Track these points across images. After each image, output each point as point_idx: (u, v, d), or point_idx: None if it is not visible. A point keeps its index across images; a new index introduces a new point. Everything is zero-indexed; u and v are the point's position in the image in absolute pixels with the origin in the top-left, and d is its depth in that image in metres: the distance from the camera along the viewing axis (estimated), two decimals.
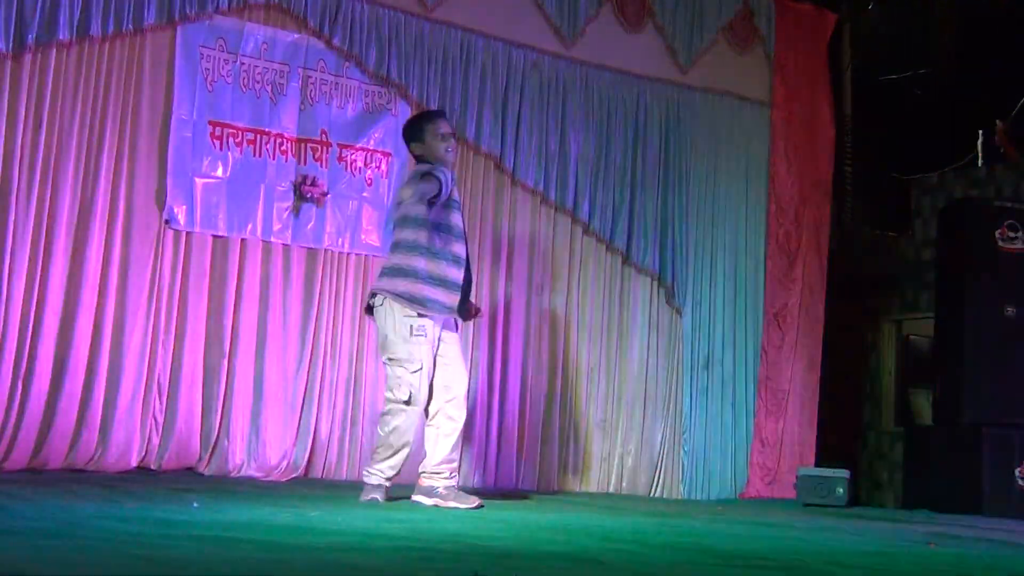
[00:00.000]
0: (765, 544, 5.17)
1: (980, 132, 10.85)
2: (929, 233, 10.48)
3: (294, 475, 7.57)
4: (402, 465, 6.05)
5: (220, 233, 7.51)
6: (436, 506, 5.90)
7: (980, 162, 10.86)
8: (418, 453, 6.23)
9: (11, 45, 6.78)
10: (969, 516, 8.20)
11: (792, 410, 9.83)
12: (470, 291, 6.42)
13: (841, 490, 8.88)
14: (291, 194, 7.76)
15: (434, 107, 8.02)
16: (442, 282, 6.06)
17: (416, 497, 6.02)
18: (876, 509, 9.61)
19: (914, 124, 10.69)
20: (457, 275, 6.15)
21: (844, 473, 8.99)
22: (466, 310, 6.35)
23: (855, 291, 10.81)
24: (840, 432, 10.52)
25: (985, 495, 8.71)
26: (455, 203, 6.19)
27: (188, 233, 7.41)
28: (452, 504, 5.90)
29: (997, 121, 10.59)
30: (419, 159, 6.28)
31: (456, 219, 6.18)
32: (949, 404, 9.19)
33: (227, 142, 7.58)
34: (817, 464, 9.63)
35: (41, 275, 6.86)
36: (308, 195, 7.79)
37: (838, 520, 7.33)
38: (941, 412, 9.35)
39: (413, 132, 6.33)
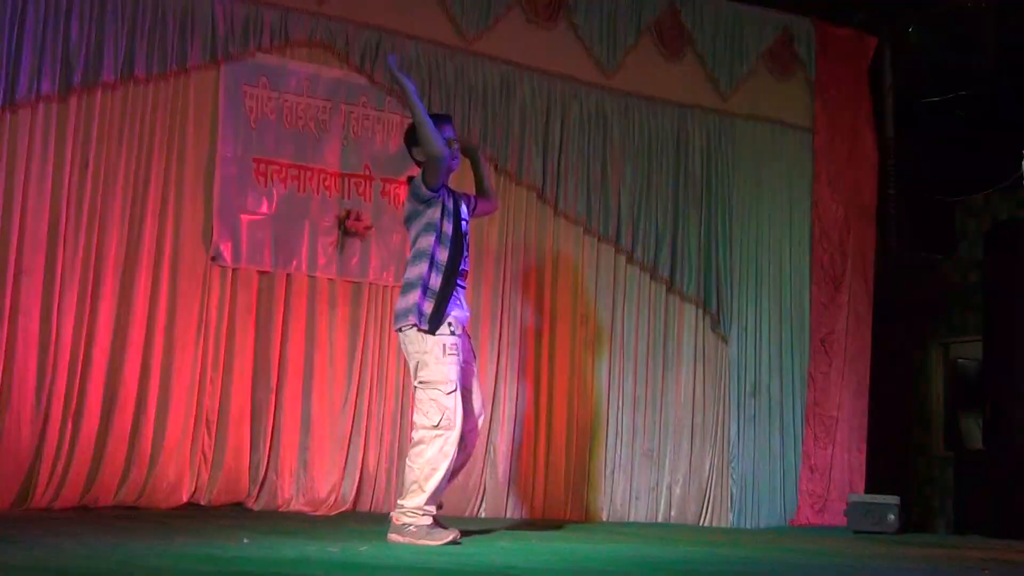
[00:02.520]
0: (816, 573, 5.13)
1: None
2: (975, 255, 10.40)
3: (343, 509, 7.59)
4: (441, 494, 5.69)
5: (266, 269, 7.57)
6: (410, 544, 5.44)
7: None
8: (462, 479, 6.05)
9: (57, 87, 6.89)
10: (1022, 541, 8.11)
11: (841, 436, 9.74)
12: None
13: (892, 516, 8.80)
14: (335, 229, 7.81)
15: (477, 141, 8.04)
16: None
17: (391, 536, 5.56)
18: (928, 535, 9.51)
19: (957, 146, 10.60)
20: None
21: (894, 499, 8.90)
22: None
23: (901, 315, 10.73)
24: (890, 458, 10.42)
25: None
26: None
27: (234, 269, 7.47)
28: (424, 542, 5.44)
29: None
30: (421, 165, 5.81)
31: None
32: (1000, 427, 9.10)
33: (271, 178, 7.64)
34: (867, 490, 9.53)
35: (90, 314, 6.94)
36: (352, 229, 7.85)
37: (889, 547, 7.26)
38: (992, 436, 9.26)
39: (418, 136, 5.81)
